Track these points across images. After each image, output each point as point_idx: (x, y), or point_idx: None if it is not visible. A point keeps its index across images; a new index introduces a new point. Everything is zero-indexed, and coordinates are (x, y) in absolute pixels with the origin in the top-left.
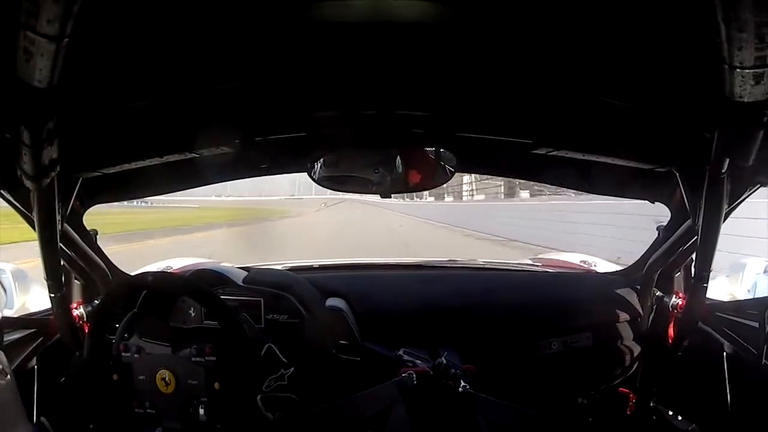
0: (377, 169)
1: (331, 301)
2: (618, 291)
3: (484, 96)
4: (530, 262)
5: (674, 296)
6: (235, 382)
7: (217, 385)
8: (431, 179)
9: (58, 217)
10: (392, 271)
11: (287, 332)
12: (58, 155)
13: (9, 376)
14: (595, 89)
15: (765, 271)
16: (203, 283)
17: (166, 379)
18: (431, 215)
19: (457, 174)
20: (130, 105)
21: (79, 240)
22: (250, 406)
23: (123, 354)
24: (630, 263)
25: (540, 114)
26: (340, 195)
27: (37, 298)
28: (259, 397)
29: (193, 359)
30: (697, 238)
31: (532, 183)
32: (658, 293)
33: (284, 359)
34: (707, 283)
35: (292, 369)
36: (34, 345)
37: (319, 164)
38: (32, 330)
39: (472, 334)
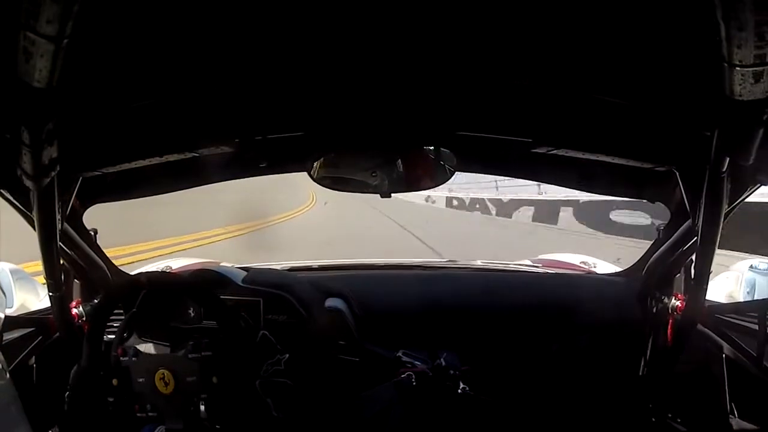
0: (374, 172)
1: (331, 302)
2: (617, 292)
3: (484, 94)
4: (530, 262)
5: (674, 298)
6: (232, 373)
7: (215, 379)
8: (431, 179)
9: (58, 217)
10: (392, 271)
11: (286, 332)
12: (58, 155)
13: (4, 371)
14: (595, 87)
15: (763, 271)
16: (203, 284)
17: (165, 378)
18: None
19: None
20: (130, 105)
21: (79, 239)
22: (249, 393)
23: (121, 358)
24: (629, 264)
25: (540, 112)
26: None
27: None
28: (257, 382)
29: (189, 356)
30: (696, 239)
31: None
32: (658, 294)
33: (279, 346)
34: (707, 284)
35: (288, 355)
36: (34, 344)
37: (318, 164)
38: (32, 329)
39: (472, 335)
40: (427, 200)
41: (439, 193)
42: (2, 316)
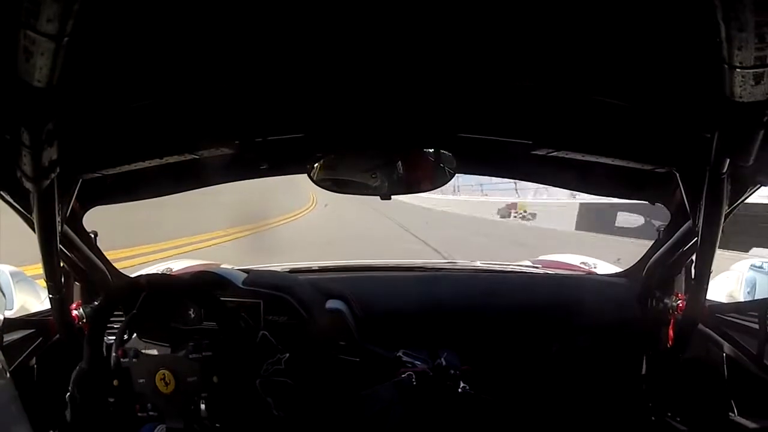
0: (374, 174)
1: (331, 303)
2: (618, 293)
3: (485, 96)
4: (530, 263)
5: (674, 298)
6: (232, 373)
7: (215, 379)
8: (431, 180)
9: (58, 219)
10: (392, 272)
11: (287, 333)
12: (58, 156)
13: (8, 376)
14: (595, 89)
15: (764, 270)
16: (203, 286)
17: (165, 378)
18: None
19: None
20: (129, 105)
21: (79, 241)
22: (249, 392)
23: (122, 359)
24: (630, 265)
25: (540, 114)
26: None
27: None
28: (258, 381)
29: (190, 356)
30: (697, 239)
31: None
32: (658, 295)
33: (279, 345)
34: (707, 284)
35: (288, 354)
36: (34, 345)
37: (318, 166)
38: (32, 330)
39: (472, 335)
40: (507, 214)
41: (567, 199)
42: (2, 317)
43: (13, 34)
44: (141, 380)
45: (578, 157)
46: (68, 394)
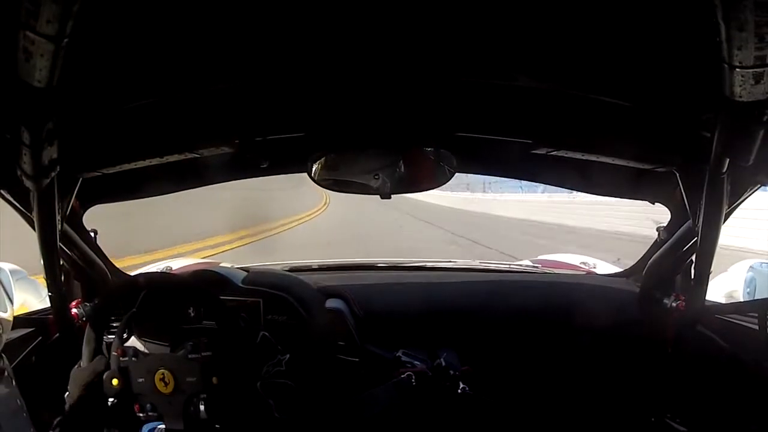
0: (377, 175)
1: (331, 302)
2: (618, 293)
3: (484, 95)
4: (530, 263)
5: (674, 298)
6: (232, 374)
7: (215, 380)
8: (431, 180)
9: (58, 217)
10: (392, 272)
11: (286, 333)
12: (58, 155)
13: (10, 377)
14: (595, 88)
15: (763, 271)
16: (202, 284)
17: (165, 378)
18: None
19: None
20: (129, 105)
21: (79, 240)
22: (250, 394)
23: (121, 359)
24: (630, 265)
25: (540, 114)
26: None
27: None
28: (258, 383)
29: (189, 356)
30: (697, 239)
31: None
32: (658, 295)
33: (279, 347)
34: (707, 284)
35: (288, 356)
36: (34, 344)
37: (318, 165)
38: (31, 329)
39: (471, 335)
40: None
41: None
42: (10, 318)
43: (13, 34)
44: (140, 380)
45: (578, 156)
46: (66, 393)
